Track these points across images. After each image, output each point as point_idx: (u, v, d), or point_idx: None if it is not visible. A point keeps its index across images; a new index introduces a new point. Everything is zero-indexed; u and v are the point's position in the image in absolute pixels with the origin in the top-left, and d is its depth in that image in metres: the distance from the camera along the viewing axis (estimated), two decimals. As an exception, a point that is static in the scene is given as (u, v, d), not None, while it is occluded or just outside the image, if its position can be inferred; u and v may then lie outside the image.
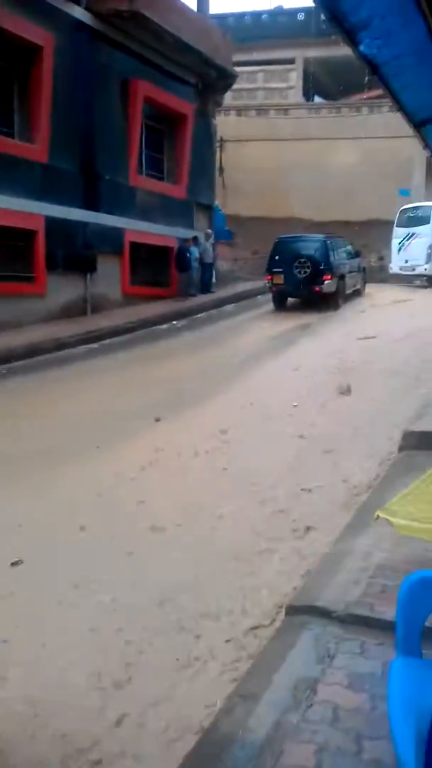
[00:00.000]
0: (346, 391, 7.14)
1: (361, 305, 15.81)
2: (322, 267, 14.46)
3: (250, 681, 2.62)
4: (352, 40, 2.55)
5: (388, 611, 2.69)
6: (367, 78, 2.97)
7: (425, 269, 19.16)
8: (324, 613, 2.89)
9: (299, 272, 14.58)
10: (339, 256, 15.45)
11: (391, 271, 20.42)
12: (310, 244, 15.07)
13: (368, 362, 8.96)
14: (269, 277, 15.31)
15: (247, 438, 6.05)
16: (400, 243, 19.89)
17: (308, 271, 14.47)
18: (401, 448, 5.33)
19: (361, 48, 2.62)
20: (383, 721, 1.90)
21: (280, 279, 14.91)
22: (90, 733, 2.55)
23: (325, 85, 29.10)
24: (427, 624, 1.91)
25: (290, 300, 15.82)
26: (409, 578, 1.83)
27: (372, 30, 2.45)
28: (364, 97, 23.98)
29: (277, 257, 15.15)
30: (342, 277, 15.33)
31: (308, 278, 14.47)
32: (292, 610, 3.03)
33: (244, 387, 8.10)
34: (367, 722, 2.22)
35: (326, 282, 14.47)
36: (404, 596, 1.80)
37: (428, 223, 19.12)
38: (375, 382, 7.81)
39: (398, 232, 20.01)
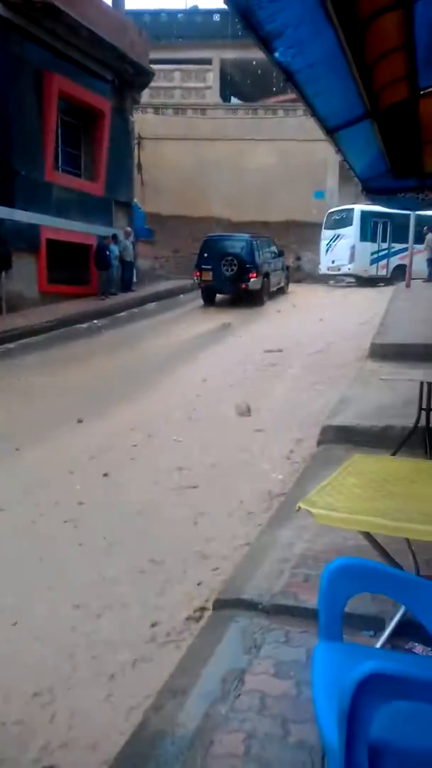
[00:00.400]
0: (246, 411, 6.80)
1: (282, 304, 16.22)
2: (248, 265, 15.25)
3: (179, 677, 2.65)
4: (267, 48, 2.62)
5: (310, 599, 2.80)
6: (279, 82, 3.06)
7: (349, 269, 20.00)
8: (250, 605, 2.96)
9: (227, 270, 15.28)
10: (264, 255, 16.20)
11: (320, 272, 21.28)
12: (237, 243, 15.80)
13: (273, 375, 8.78)
14: (198, 273, 15.79)
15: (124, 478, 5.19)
16: (327, 244, 20.86)
17: (235, 268, 15.20)
18: (320, 443, 5.52)
19: (276, 55, 2.70)
20: (308, 705, 1.98)
21: (208, 276, 15.56)
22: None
23: (241, 87, 29.51)
24: (347, 609, 2.01)
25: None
26: (330, 565, 1.91)
27: (286, 39, 2.53)
28: (280, 99, 24.51)
29: (206, 255, 15.78)
30: (267, 275, 16.04)
31: (235, 275, 15.19)
32: (219, 604, 3.09)
33: (145, 403, 7.52)
34: (293, 707, 2.31)
35: (252, 280, 15.29)
36: (325, 583, 1.88)
37: (351, 224, 19.94)
38: (277, 398, 7.58)
39: (326, 234, 20.97)
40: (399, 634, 2.61)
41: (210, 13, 27.08)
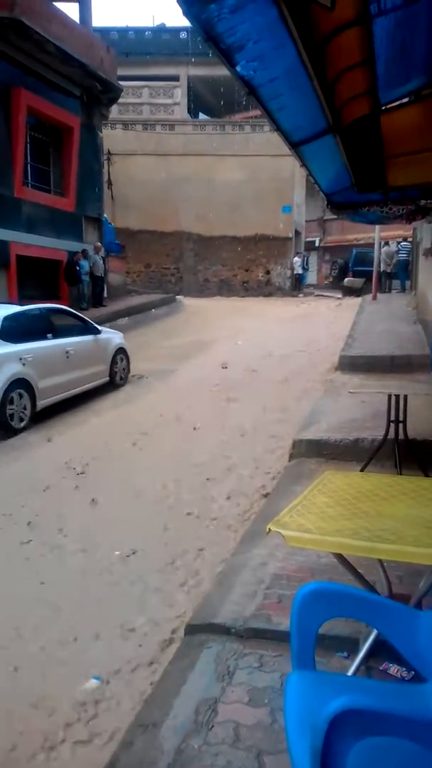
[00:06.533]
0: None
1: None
2: (345, 269, 22.59)
3: (150, 709, 2.55)
4: (229, 61, 2.58)
5: (284, 621, 2.72)
6: (244, 99, 3.04)
7: None
8: (223, 630, 2.88)
9: (334, 272, 24.04)
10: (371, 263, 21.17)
11: None
12: (345, 255, 23.66)
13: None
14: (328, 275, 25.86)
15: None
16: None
17: (337, 271, 23.59)
18: (292, 456, 5.47)
19: (238, 69, 2.66)
20: (283, 734, 1.90)
21: (331, 277, 24.80)
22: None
23: (209, 103, 29.76)
24: (320, 631, 1.94)
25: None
26: (301, 591, 1.85)
27: (247, 52, 2.50)
28: (247, 115, 24.77)
29: (333, 263, 24.86)
30: (392, 276, 21.07)
31: (338, 275, 23.33)
32: (191, 630, 3.00)
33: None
34: (267, 737, 2.23)
35: (347, 279, 22.03)
36: (296, 610, 1.81)
37: None
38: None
39: None
40: (373, 654, 2.56)
41: (177, 30, 27.30)
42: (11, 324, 7.46)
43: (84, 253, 16.35)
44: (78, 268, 15.87)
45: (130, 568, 3.95)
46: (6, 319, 7.40)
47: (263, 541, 3.67)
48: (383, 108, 4.40)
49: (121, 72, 18.50)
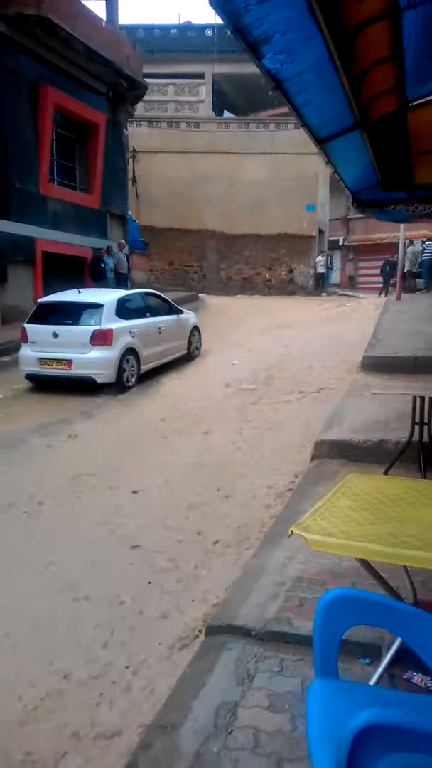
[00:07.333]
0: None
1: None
2: (395, 269, 21.20)
3: (169, 710, 2.52)
4: (256, 54, 2.54)
5: (306, 625, 2.68)
6: (270, 93, 2.98)
7: None
8: (243, 632, 2.84)
9: (386, 270, 23.09)
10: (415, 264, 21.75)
11: None
12: (393, 257, 22.32)
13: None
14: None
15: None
16: None
17: (388, 269, 22.88)
18: (314, 457, 5.41)
19: (264, 62, 2.62)
20: (304, 741, 1.86)
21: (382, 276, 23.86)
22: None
23: (234, 101, 29.63)
24: (343, 636, 1.89)
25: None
26: (324, 597, 1.80)
27: (274, 45, 2.46)
28: (272, 113, 24.62)
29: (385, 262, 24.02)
30: (417, 276, 21.66)
31: (388, 275, 23.06)
32: (211, 630, 2.97)
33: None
34: (287, 744, 2.19)
35: (392, 279, 21.59)
36: (319, 616, 1.76)
37: None
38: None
39: None
40: (396, 661, 2.50)
41: (202, 28, 27.22)
42: (122, 305, 9.48)
43: (108, 249, 16.42)
44: (102, 264, 15.95)
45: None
46: (119, 300, 9.44)
47: (284, 543, 3.62)
48: (410, 105, 4.30)
49: (146, 69, 18.53)
